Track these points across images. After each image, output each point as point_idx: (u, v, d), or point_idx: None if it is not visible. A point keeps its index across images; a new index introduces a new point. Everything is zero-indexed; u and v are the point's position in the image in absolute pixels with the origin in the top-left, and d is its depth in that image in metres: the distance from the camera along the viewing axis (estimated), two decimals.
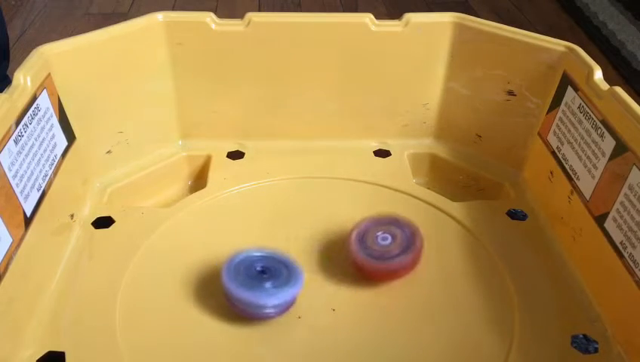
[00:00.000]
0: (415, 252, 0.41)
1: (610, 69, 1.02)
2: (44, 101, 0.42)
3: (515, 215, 0.48)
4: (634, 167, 0.37)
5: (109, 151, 0.51)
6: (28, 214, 0.38)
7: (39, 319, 0.38)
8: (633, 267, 0.37)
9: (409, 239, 0.41)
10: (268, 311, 0.37)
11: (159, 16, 0.49)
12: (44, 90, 0.42)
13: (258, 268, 0.38)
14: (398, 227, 0.42)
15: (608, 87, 0.42)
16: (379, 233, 0.41)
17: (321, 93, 0.54)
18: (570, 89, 0.46)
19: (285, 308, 0.38)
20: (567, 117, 0.46)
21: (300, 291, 0.38)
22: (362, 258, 0.40)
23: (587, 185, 0.42)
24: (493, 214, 0.48)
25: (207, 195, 0.49)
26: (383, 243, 0.41)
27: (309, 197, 0.50)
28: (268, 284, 0.37)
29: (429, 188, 0.52)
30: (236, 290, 0.37)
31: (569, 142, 0.45)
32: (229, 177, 0.51)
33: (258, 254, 0.39)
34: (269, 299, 0.37)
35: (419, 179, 0.56)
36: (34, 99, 0.41)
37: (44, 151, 0.42)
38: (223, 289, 0.38)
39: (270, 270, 0.38)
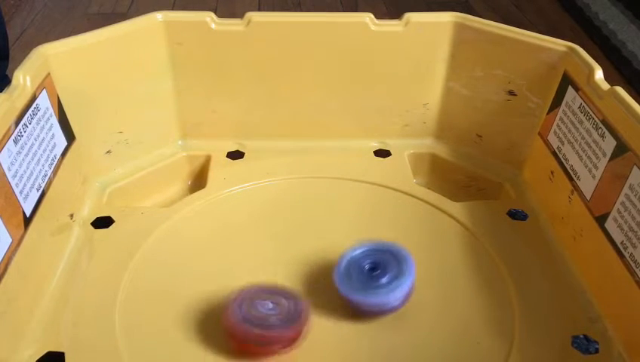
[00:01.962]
0: (298, 326, 0.36)
1: (611, 69, 1.02)
2: (43, 101, 0.42)
3: (515, 215, 0.48)
4: (634, 167, 0.37)
5: (108, 151, 0.51)
6: (27, 214, 0.38)
7: (39, 319, 0.38)
8: (634, 267, 0.37)
9: (292, 313, 0.36)
10: (393, 305, 0.37)
11: (159, 16, 0.49)
12: (44, 90, 0.42)
13: (367, 267, 0.38)
14: (284, 297, 0.37)
15: (609, 86, 0.42)
16: (266, 302, 0.36)
17: (321, 93, 0.54)
18: (570, 89, 0.46)
19: (408, 296, 0.38)
20: (568, 117, 0.46)
21: (415, 276, 0.38)
22: (236, 321, 0.35)
23: (588, 185, 0.42)
24: (493, 214, 0.48)
25: (207, 195, 0.49)
26: (262, 310, 0.36)
27: (309, 197, 0.50)
28: (384, 280, 0.37)
29: (429, 188, 0.52)
30: (360, 297, 0.36)
31: (570, 142, 0.45)
32: (229, 177, 0.51)
33: (360, 251, 0.39)
34: (392, 294, 0.37)
35: (419, 179, 0.56)
36: (33, 99, 0.41)
37: (44, 151, 0.42)
38: (343, 297, 0.37)
39: (380, 264, 0.38)
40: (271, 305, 0.36)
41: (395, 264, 0.38)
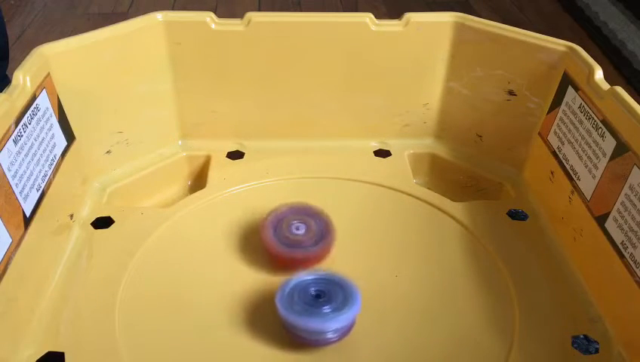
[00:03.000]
0: (326, 245, 0.42)
1: (611, 69, 1.02)
2: (43, 101, 0.42)
3: (515, 215, 0.48)
4: (634, 167, 0.37)
5: (108, 151, 0.51)
6: (27, 214, 0.38)
7: (39, 319, 0.38)
8: (634, 267, 0.37)
9: (322, 231, 0.42)
10: (329, 336, 0.36)
11: (159, 16, 0.49)
12: (44, 90, 0.42)
13: (313, 293, 0.37)
14: (312, 217, 0.43)
15: (609, 86, 0.42)
16: (294, 222, 0.42)
17: (321, 93, 0.54)
18: (570, 89, 0.46)
19: (347, 330, 0.37)
20: (568, 117, 0.46)
21: (359, 311, 0.36)
22: (275, 245, 0.41)
23: (588, 185, 0.42)
24: (493, 214, 0.48)
25: (207, 195, 0.49)
26: (297, 232, 0.42)
27: (308, 198, 0.50)
28: (326, 309, 0.36)
29: (429, 188, 0.52)
30: (296, 319, 0.35)
31: (570, 142, 0.45)
32: (229, 177, 0.51)
33: (311, 278, 0.38)
34: (330, 323, 0.35)
35: (419, 179, 0.56)
36: (33, 98, 0.41)
37: (44, 151, 0.42)
38: (281, 318, 0.36)
39: (325, 293, 0.37)
40: (303, 228, 0.42)
41: (341, 296, 0.37)
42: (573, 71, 0.46)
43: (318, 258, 0.42)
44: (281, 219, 0.43)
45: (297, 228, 0.42)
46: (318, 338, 0.36)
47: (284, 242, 0.42)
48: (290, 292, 0.37)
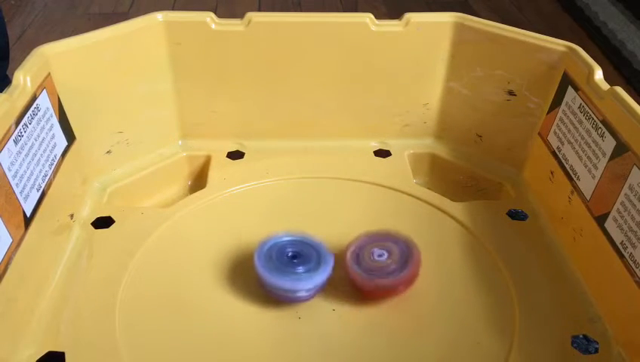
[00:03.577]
0: (414, 265, 0.40)
1: (611, 69, 1.02)
2: (43, 101, 0.42)
3: (515, 215, 0.48)
4: (634, 167, 0.37)
5: (108, 151, 0.51)
6: (28, 214, 0.38)
7: (39, 319, 0.38)
8: (633, 267, 0.37)
9: (405, 253, 0.40)
10: (301, 294, 0.39)
11: (159, 16, 0.49)
12: (44, 90, 0.42)
13: (289, 254, 0.40)
14: (393, 242, 0.41)
15: (609, 87, 0.42)
16: (374, 249, 0.41)
17: (321, 93, 0.54)
18: (570, 89, 0.46)
19: (318, 290, 0.39)
20: (568, 117, 0.46)
21: (330, 274, 0.39)
22: (359, 275, 0.39)
23: (587, 185, 0.42)
24: (493, 214, 0.48)
25: (207, 195, 0.49)
26: (379, 259, 0.40)
27: (309, 198, 0.50)
28: (300, 269, 0.39)
29: (429, 188, 0.52)
30: (270, 278, 0.38)
31: (569, 142, 0.45)
32: (229, 177, 0.51)
33: (288, 239, 0.41)
34: (302, 283, 0.38)
35: (419, 179, 0.56)
36: (34, 99, 0.41)
37: (44, 151, 0.42)
38: (257, 275, 0.39)
39: (301, 255, 0.40)
40: (385, 254, 0.40)
41: (315, 259, 0.40)
42: (573, 71, 0.46)
43: (407, 283, 0.40)
44: (362, 247, 0.41)
45: (380, 255, 0.40)
46: (291, 296, 0.39)
47: (367, 271, 0.39)
48: (268, 251, 0.40)
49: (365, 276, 0.39)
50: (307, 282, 0.38)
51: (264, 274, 0.38)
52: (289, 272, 0.38)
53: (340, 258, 0.42)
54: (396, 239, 0.41)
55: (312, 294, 0.39)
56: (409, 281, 0.40)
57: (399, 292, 0.40)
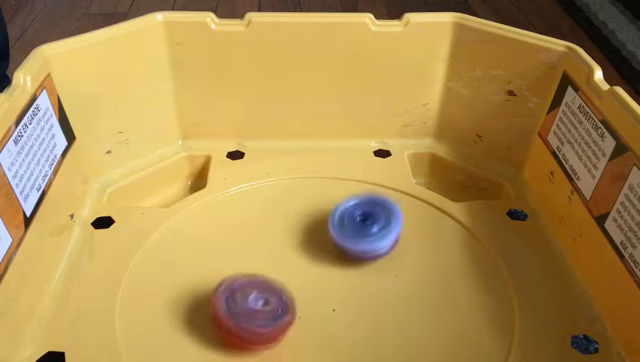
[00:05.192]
0: (282, 327, 0.36)
1: (611, 69, 1.02)
2: (43, 101, 0.42)
3: (515, 215, 0.48)
4: (634, 167, 0.37)
5: (109, 151, 0.51)
6: (28, 214, 0.38)
7: (39, 319, 0.38)
8: (633, 267, 0.37)
9: (280, 310, 0.36)
10: (381, 252, 0.42)
11: (159, 16, 0.49)
12: (44, 90, 0.42)
13: (359, 217, 0.42)
14: (274, 294, 0.37)
15: (608, 87, 0.42)
16: (252, 293, 0.36)
17: (321, 93, 0.54)
18: (570, 89, 0.46)
19: (395, 243, 0.42)
20: (568, 117, 0.46)
21: (402, 226, 0.42)
22: (224, 315, 0.35)
23: (587, 185, 0.42)
24: (493, 214, 0.48)
25: (207, 195, 0.49)
26: (252, 305, 0.36)
27: (308, 198, 0.50)
28: (374, 229, 0.41)
29: (429, 188, 0.52)
30: (352, 244, 0.41)
31: (569, 142, 0.45)
32: (229, 177, 0.51)
33: (353, 203, 0.43)
34: (381, 242, 0.41)
35: (419, 179, 0.56)
36: (34, 99, 0.41)
37: (44, 151, 0.42)
38: (336, 244, 0.42)
39: (370, 215, 0.42)
40: (261, 302, 0.36)
41: (383, 215, 0.42)
42: (572, 71, 0.46)
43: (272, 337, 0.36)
44: (237, 290, 0.36)
45: (256, 301, 0.36)
46: (373, 255, 0.42)
47: (236, 314, 0.35)
48: (340, 218, 0.43)
49: (227, 315, 0.35)
50: (384, 240, 0.41)
51: (345, 244, 0.41)
52: (365, 235, 0.41)
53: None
54: (277, 292, 0.37)
55: (391, 248, 0.42)
56: (267, 340, 0.36)
57: (257, 348, 0.36)
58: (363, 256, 0.43)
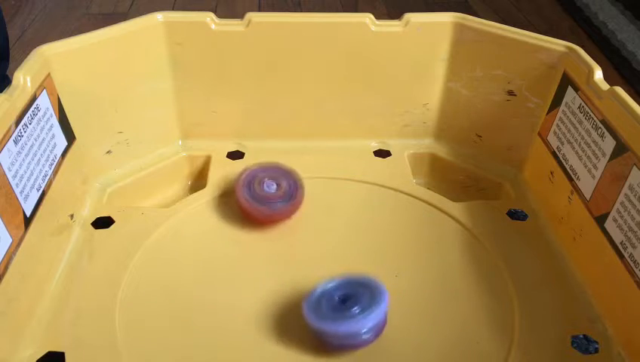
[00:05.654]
0: (295, 203, 0.46)
1: (611, 69, 1.02)
2: (43, 101, 0.42)
3: (515, 215, 0.48)
4: (634, 167, 0.37)
5: (109, 151, 0.51)
6: (27, 214, 0.38)
7: (39, 319, 0.38)
8: (633, 267, 0.37)
9: (292, 190, 0.46)
10: (365, 336, 0.35)
11: (159, 16, 0.49)
12: (44, 90, 0.42)
13: (338, 298, 0.37)
14: (284, 177, 0.47)
15: (608, 87, 0.42)
16: (265, 180, 0.46)
17: (321, 93, 0.54)
18: (570, 89, 0.46)
19: (381, 328, 0.36)
20: (568, 117, 0.46)
21: (388, 306, 0.36)
22: (246, 200, 0.45)
23: (587, 185, 0.42)
24: (493, 214, 0.48)
25: (207, 195, 0.49)
26: (268, 190, 0.45)
27: (308, 198, 0.50)
28: (355, 310, 0.35)
29: (429, 188, 0.52)
30: (328, 326, 0.35)
31: (569, 142, 0.45)
32: (229, 177, 0.51)
33: (333, 284, 0.38)
34: (362, 323, 0.35)
35: (419, 179, 0.56)
36: (34, 99, 0.41)
37: (44, 151, 0.42)
38: (312, 329, 0.36)
39: (351, 296, 0.36)
40: (274, 186, 0.46)
41: (368, 295, 0.36)
42: (572, 71, 0.46)
43: (286, 214, 0.46)
44: (254, 176, 0.46)
45: (269, 186, 0.46)
46: (353, 341, 0.36)
47: (256, 199, 0.45)
48: (317, 301, 0.36)
49: (255, 203, 0.45)
50: (367, 321, 0.35)
51: (321, 325, 0.35)
52: (344, 316, 0.35)
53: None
54: (289, 177, 0.47)
55: (376, 334, 0.36)
56: (286, 214, 0.46)
57: (278, 220, 0.46)
58: (343, 341, 0.36)
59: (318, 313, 0.36)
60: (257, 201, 0.45)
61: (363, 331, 0.35)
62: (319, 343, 0.37)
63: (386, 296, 0.36)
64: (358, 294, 0.36)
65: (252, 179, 0.46)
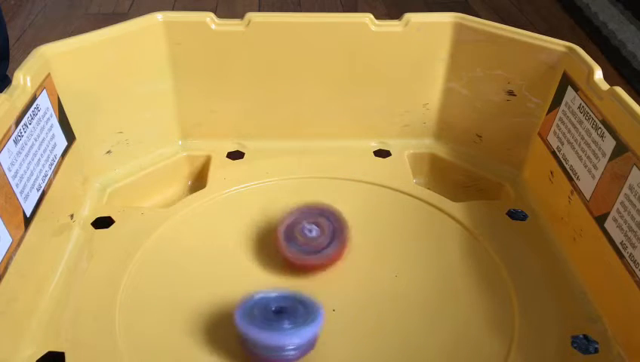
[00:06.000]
0: (343, 242, 0.42)
1: (611, 69, 1.02)
2: (43, 101, 0.42)
3: (515, 215, 0.48)
4: (634, 167, 0.37)
5: (108, 151, 0.51)
6: (28, 214, 0.38)
7: (39, 319, 0.38)
8: (633, 267, 0.37)
9: (336, 229, 0.42)
10: (289, 352, 0.35)
11: (159, 16, 0.49)
12: (44, 90, 0.42)
13: (274, 309, 0.36)
14: (324, 217, 0.43)
15: (608, 87, 0.42)
16: (305, 225, 0.42)
17: (321, 93, 0.54)
18: (570, 89, 0.46)
19: (308, 347, 0.36)
20: (568, 117, 0.46)
21: (320, 328, 0.36)
22: (292, 252, 0.41)
23: (587, 185, 0.42)
24: (493, 214, 0.48)
25: (207, 195, 0.49)
26: (310, 235, 0.41)
27: (308, 198, 0.50)
28: (286, 324, 0.35)
29: (429, 188, 0.52)
30: (254, 333, 0.34)
31: (569, 143, 0.45)
32: (229, 177, 0.51)
33: (273, 295, 0.37)
34: (289, 338, 0.34)
35: (419, 179, 0.56)
36: (34, 99, 0.41)
37: (44, 151, 0.42)
38: (239, 333, 0.35)
39: (287, 309, 0.36)
40: (315, 229, 0.41)
41: (303, 313, 0.36)
42: (572, 71, 0.46)
43: (334, 259, 0.42)
44: (293, 225, 0.42)
45: (310, 231, 0.41)
46: (276, 354, 0.35)
47: (302, 249, 0.41)
48: (251, 308, 0.36)
49: (297, 253, 0.41)
50: (294, 337, 0.34)
51: (247, 331, 0.34)
52: (274, 327, 0.34)
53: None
54: (327, 214, 0.43)
55: (302, 352, 0.35)
56: (339, 255, 0.42)
57: (329, 266, 0.42)
58: (264, 352, 0.35)
59: (249, 319, 0.35)
60: (304, 252, 0.41)
61: (288, 347, 0.34)
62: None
63: (320, 318, 0.35)
64: (294, 310, 0.36)
65: (292, 229, 0.42)
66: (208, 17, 0.50)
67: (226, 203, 0.49)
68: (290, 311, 0.36)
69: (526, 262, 0.44)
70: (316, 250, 0.41)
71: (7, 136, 0.37)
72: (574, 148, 0.45)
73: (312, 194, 0.50)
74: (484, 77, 0.52)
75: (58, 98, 0.45)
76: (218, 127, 0.55)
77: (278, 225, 0.42)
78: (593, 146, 0.42)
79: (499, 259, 0.44)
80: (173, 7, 1.20)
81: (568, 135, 0.46)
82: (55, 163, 0.43)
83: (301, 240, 0.41)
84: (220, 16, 0.50)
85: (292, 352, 0.35)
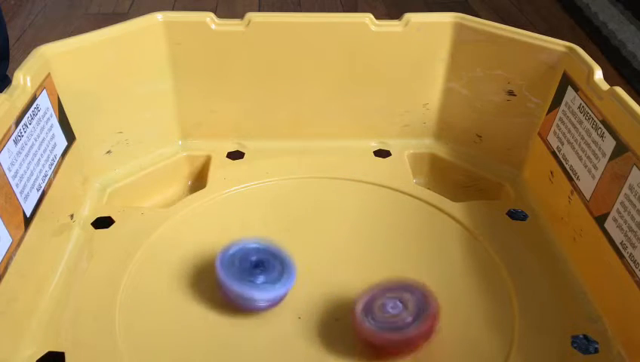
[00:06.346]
0: (431, 317, 0.35)
1: (611, 69, 1.02)
2: (43, 101, 0.42)
3: (515, 215, 0.48)
4: (634, 167, 0.37)
5: (108, 151, 0.51)
6: (28, 214, 0.38)
7: (39, 319, 0.38)
8: (633, 267, 0.37)
9: (421, 303, 0.36)
10: (258, 304, 0.38)
11: (159, 16, 0.49)
12: (44, 90, 0.42)
13: (252, 260, 0.39)
14: (407, 291, 0.37)
15: (608, 87, 0.42)
16: (387, 301, 0.36)
17: (321, 93, 0.54)
18: (570, 89, 0.46)
19: (276, 302, 0.39)
20: (568, 117, 0.46)
21: (291, 288, 0.39)
22: (373, 331, 0.35)
23: (587, 185, 0.42)
24: (493, 214, 0.48)
25: (207, 195, 0.49)
26: (393, 311, 0.36)
27: (308, 198, 0.50)
28: (261, 279, 0.38)
29: (429, 188, 0.52)
30: (229, 282, 0.37)
31: (569, 143, 0.45)
32: (229, 177, 0.51)
33: (254, 246, 0.40)
34: (260, 293, 0.37)
35: (419, 179, 0.56)
36: (34, 99, 0.41)
37: (44, 151, 0.42)
38: (216, 278, 0.38)
39: (264, 264, 0.39)
40: (400, 305, 0.36)
41: (278, 270, 0.39)
42: (572, 71, 0.46)
43: (426, 335, 0.36)
44: (372, 302, 0.37)
45: (393, 307, 0.36)
46: (248, 304, 0.38)
47: (384, 327, 0.35)
48: (232, 256, 0.39)
49: (377, 330, 0.35)
50: (265, 293, 0.37)
51: (224, 279, 0.38)
52: (248, 280, 0.37)
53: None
54: (411, 288, 0.37)
55: (270, 305, 0.39)
56: (425, 335, 0.35)
57: (416, 347, 0.36)
58: (237, 300, 0.38)
59: (228, 268, 0.38)
60: (387, 330, 0.35)
61: (258, 300, 0.38)
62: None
63: (292, 280, 0.38)
64: (270, 265, 0.39)
65: (371, 307, 0.36)
66: (208, 17, 0.50)
67: (226, 203, 0.49)
68: (266, 266, 0.39)
69: (526, 262, 0.44)
70: (399, 326, 0.35)
71: (7, 136, 0.37)
72: (574, 148, 0.45)
73: (312, 194, 0.50)
74: (484, 77, 0.52)
75: (58, 98, 0.45)
76: (218, 127, 0.55)
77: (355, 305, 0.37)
78: (593, 146, 0.42)
79: (499, 259, 0.44)
80: (173, 7, 1.20)
81: (568, 135, 0.46)
82: (55, 163, 0.43)
83: (382, 318, 0.36)
84: (219, 16, 0.50)
85: (261, 304, 0.38)
